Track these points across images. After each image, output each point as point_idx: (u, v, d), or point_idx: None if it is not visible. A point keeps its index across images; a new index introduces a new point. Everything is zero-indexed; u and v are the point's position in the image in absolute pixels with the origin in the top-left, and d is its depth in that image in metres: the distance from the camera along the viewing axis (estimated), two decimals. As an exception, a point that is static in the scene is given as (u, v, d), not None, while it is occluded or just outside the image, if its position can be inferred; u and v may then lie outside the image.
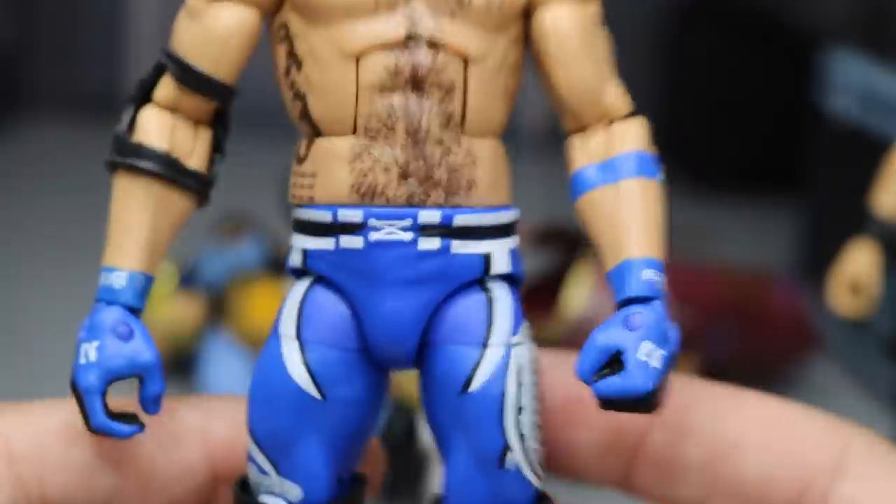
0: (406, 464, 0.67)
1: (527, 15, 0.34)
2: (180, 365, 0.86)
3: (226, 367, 0.83)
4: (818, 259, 0.92)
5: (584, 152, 0.34)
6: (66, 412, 0.34)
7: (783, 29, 1.29)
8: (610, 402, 0.32)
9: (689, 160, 1.26)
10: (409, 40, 0.33)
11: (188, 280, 0.88)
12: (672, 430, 0.36)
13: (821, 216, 1.02)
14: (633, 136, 0.34)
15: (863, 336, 0.91)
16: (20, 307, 0.97)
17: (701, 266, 0.89)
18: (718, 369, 0.87)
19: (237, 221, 0.90)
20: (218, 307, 0.87)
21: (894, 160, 0.68)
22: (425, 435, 0.64)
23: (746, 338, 0.87)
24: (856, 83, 0.94)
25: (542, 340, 0.70)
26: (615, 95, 0.34)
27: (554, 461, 0.36)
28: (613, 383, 0.32)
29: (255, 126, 0.59)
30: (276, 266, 0.88)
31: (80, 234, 0.67)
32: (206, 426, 0.36)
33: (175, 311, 0.86)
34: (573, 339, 0.80)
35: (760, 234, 1.18)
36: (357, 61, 0.33)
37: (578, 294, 0.81)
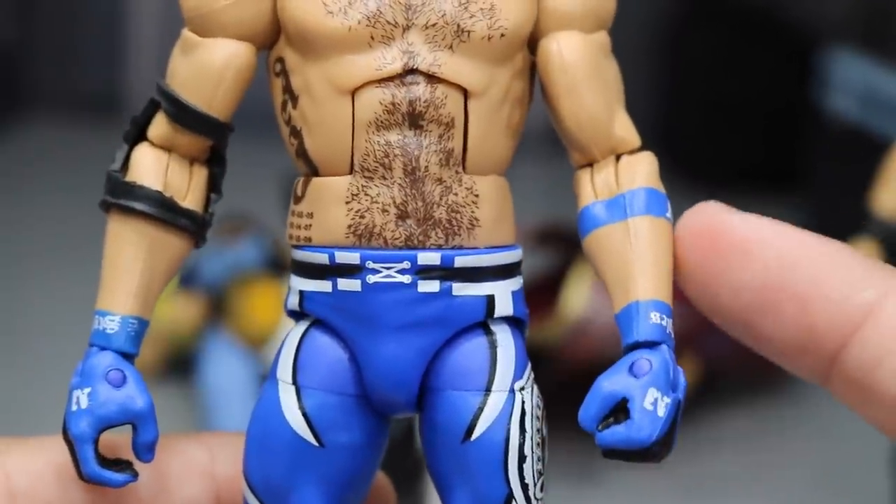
0: (405, 464, 0.67)
1: (532, 45, 0.33)
2: (180, 365, 0.86)
3: (226, 367, 0.83)
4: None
5: (592, 188, 0.33)
6: (68, 451, 0.33)
7: (783, 28, 1.29)
8: (613, 452, 0.31)
9: (689, 160, 1.26)
10: (406, 75, 0.32)
11: (188, 280, 0.88)
12: (870, 350, 0.32)
13: (820, 216, 1.02)
14: (641, 172, 0.33)
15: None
16: (20, 307, 0.97)
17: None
18: (719, 369, 0.87)
19: (237, 221, 0.90)
20: (218, 307, 0.87)
21: (894, 160, 0.68)
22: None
23: (746, 338, 0.87)
24: (856, 83, 0.94)
25: (542, 340, 0.69)
26: (624, 129, 0.33)
27: (754, 344, 0.34)
28: (617, 433, 0.31)
29: (255, 126, 0.59)
30: (276, 266, 0.88)
31: (80, 233, 0.67)
32: (212, 463, 0.35)
33: (175, 311, 0.86)
34: (573, 338, 0.80)
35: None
36: (352, 97, 0.32)
37: (578, 294, 0.81)
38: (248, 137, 0.71)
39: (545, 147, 1.00)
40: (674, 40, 1.34)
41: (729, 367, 0.89)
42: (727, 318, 0.33)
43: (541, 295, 0.84)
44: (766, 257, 0.32)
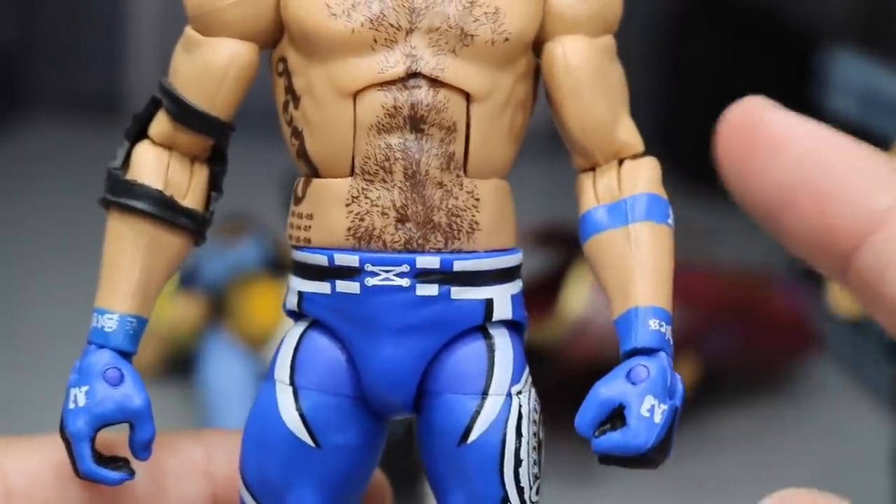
0: (406, 464, 0.67)
1: (537, 48, 0.33)
2: (180, 365, 0.86)
3: (226, 367, 0.83)
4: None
5: (594, 192, 0.33)
6: (65, 449, 0.34)
7: (783, 29, 1.29)
8: (609, 459, 0.31)
9: (690, 160, 1.26)
10: (409, 78, 0.32)
11: (188, 280, 0.88)
12: (881, 255, 0.32)
13: (821, 216, 1.02)
14: (644, 178, 0.33)
15: (863, 336, 0.91)
16: (20, 307, 0.97)
17: (701, 266, 0.89)
18: (719, 369, 0.87)
19: (237, 221, 0.90)
20: (218, 307, 0.87)
21: (894, 160, 0.68)
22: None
23: (746, 338, 0.87)
24: (856, 83, 0.94)
25: (542, 340, 0.69)
26: (628, 133, 0.33)
27: (777, 236, 0.34)
28: (613, 439, 0.31)
29: (255, 125, 0.59)
30: (277, 266, 0.88)
31: (80, 233, 0.67)
32: (209, 462, 0.35)
33: (175, 311, 0.86)
34: (573, 338, 0.80)
35: (760, 234, 1.18)
36: (354, 99, 0.32)
37: (578, 294, 0.81)
38: (249, 137, 0.71)
39: (545, 147, 1.00)
40: (674, 42, 1.34)
41: (729, 367, 0.89)
42: (754, 209, 0.34)
43: (541, 295, 0.84)
44: (794, 154, 0.32)
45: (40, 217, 1.14)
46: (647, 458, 0.31)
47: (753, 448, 0.85)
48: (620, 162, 0.33)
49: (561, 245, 0.87)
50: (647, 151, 0.34)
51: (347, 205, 0.32)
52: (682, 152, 1.25)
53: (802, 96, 1.11)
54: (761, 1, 1.31)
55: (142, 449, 0.33)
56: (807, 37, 1.23)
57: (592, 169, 0.34)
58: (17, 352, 0.90)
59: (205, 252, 0.89)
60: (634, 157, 0.33)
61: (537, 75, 0.34)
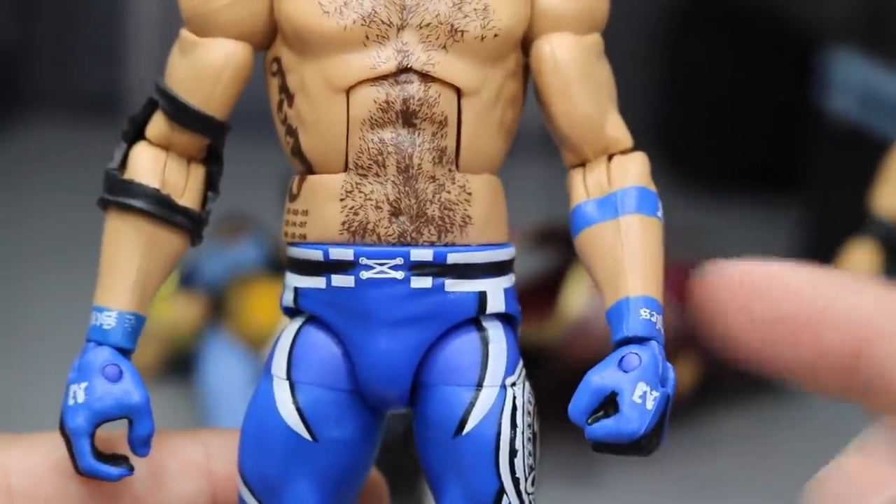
0: (405, 464, 0.67)
1: (526, 46, 0.33)
2: (180, 365, 0.86)
3: (226, 367, 0.83)
4: (818, 259, 0.91)
5: (584, 187, 0.34)
6: (64, 446, 0.34)
7: (783, 29, 1.29)
8: (603, 446, 0.31)
9: (689, 160, 1.26)
10: (400, 73, 0.32)
11: (188, 280, 0.88)
12: (881, 363, 0.32)
13: (821, 216, 1.02)
14: (633, 172, 0.33)
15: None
16: (20, 307, 0.97)
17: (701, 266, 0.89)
18: (718, 369, 0.87)
19: (237, 221, 0.90)
20: (218, 307, 0.87)
21: (894, 160, 0.68)
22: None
23: (746, 338, 0.87)
24: (856, 83, 0.94)
25: (542, 340, 0.69)
26: (616, 129, 0.34)
27: (773, 372, 0.33)
28: (606, 426, 0.31)
29: (255, 126, 0.59)
30: (276, 266, 0.88)
31: (80, 233, 0.67)
32: (208, 460, 0.35)
33: (175, 311, 0.86)
34: (573, 338, 0.80)
35: (760, 234, 1.18)
36: (347, 95, 0.32)
37: (578, 294, 0.81)
38: (249, 137, 0.71)
39: (545, 147, 1.00)
40: (674, 41, 1.34)
41: (728, 367, 0.89)
42: (746, 353, 0.33)
43: (541, 295, 0.84)
44: (779, 287, 0.32)
45: (40, 217, 1.14)
46: (640, 445, 0.31)
47: (753, 448, 0.86)
48: (610, 157, 0.34)
49: (561, 245, 0.87)
50: (647, 151, 0.34)
51: (342, 199, 0.32)
52: (682, 151, 1.25)
53: (802, 96, 1.12)
54: (761, 0, 1.31)
55: (141, 445, 0.33)
56: (807, 36, 1.23)
57: (582, 165, 0.34)
58: (17, 351, 0.90)
59: (204, 252, 0.89)
60: (623, 152, 0.34)
61: (527, 73, 0.34)
